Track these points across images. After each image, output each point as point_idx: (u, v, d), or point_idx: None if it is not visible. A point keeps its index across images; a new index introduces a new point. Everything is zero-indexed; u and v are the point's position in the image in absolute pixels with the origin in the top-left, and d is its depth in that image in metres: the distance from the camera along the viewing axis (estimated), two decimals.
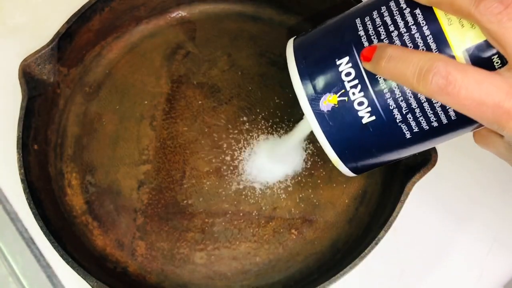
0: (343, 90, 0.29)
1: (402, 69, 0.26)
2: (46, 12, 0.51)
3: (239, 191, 0.43)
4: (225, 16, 0.49)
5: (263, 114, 0.45)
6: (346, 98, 0.29)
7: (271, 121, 0.45)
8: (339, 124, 0.30)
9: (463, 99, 0.24)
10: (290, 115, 0.45)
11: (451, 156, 0.43)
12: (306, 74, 0.31)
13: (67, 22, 0.43)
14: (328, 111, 0.30)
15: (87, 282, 0.37)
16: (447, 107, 0.28)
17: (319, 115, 0.30)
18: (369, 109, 0.29)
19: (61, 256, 0.38)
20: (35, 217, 0.39)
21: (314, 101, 0.30)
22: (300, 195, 0.43)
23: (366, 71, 0.29)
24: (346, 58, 0.29)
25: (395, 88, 0.28)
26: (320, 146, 0.31)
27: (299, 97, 0.31)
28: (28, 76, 0.42)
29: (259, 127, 0.45)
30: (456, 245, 0.44)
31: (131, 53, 0.48)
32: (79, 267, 0.37)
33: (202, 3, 0.49)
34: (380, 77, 0.28)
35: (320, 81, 0.30)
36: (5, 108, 0.46)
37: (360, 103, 0.29)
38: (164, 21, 0.49)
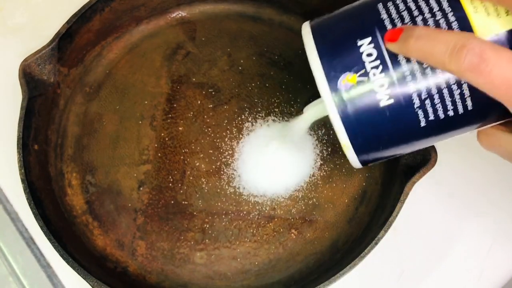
0: (363, 70, 0.29)
1: (432, 47, 0.26)
2: (46, 12, 0.51)
3: (239, 191, 0.43)
4: (225, 16, 0.49)
5: (263, 114, 0.45)
6: (366, 79, 0.29)
7: (271, 121, 0.45)
8: (356, 105, 0.29)
9: (495, 78, 0.24)
10: (290, 115, 0.45)
11: (451, 156, 0.43)
12: (325, 54, 0.30)
13: (67, 22, 0.43)
14: (346, 90, 0.29)
15: (87, 282, 0.37)
16: (465, 96, 0.28)
17: (337, 95, 0.29)
18: (388, 91, 0.28)
19: (61, 256, 0.38)
20: (35, 217, 0.39)
21: (332, 79, 0.29)
22: (300, 195, 0.43)
23: (388, 52, 0.28)
24: (368, 39, 0.29)
25: (417, 71, 0.28)
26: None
27: (316, 77, 0.30)
28: (28, 76, 0.42)
29: (259, 127, 0.45)
30: (456, 245, 0.44)
31: (131, 53, 0.48)
32: (79, 267, 0.37)
33: (202, 3, 0.49)
34: (402, 60, 0.28)
35: (340, 60, 0.29)
36: (5, 108, 0.46)
37: (380, 85, 0.28)
38: (164, 21, 0.49)
